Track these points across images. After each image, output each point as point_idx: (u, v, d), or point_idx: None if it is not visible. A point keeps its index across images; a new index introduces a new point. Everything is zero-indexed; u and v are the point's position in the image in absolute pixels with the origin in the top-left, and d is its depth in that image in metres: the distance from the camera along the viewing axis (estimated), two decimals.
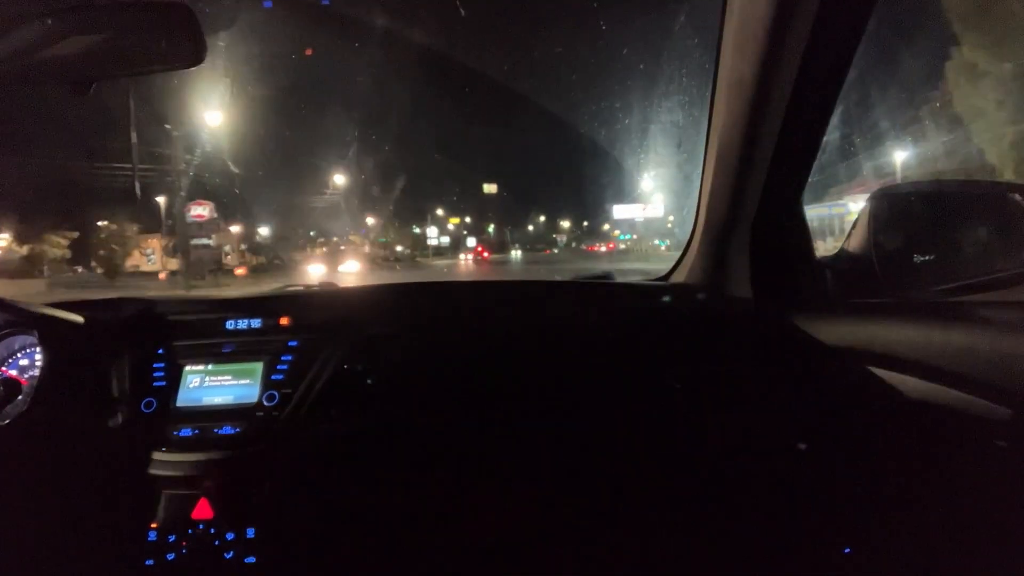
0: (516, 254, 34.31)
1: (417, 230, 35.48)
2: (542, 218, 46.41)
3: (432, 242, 35.34)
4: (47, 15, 0.73)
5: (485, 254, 30.05)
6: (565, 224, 43.40)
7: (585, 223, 41.98)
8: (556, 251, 36.82)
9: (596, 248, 32.73)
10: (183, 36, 0.74)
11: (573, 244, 39.81)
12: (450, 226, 38.09)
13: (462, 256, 31.13)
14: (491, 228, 42.51)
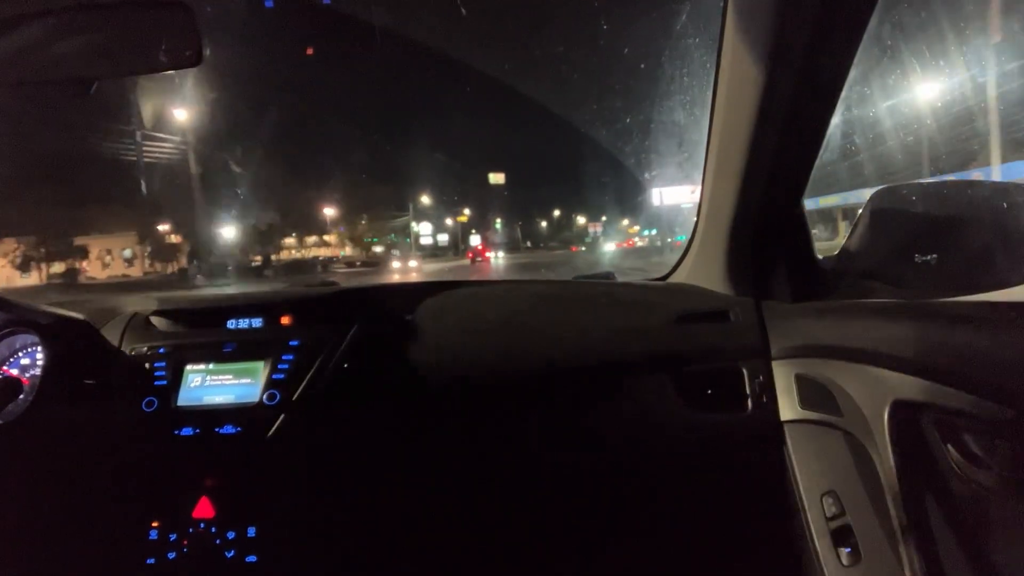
0: (495, 257, 25.89)
1: (415, 227, 29.98)
2: (556, 212, 41.78)
3: (425, 241, 29.47)
4: (47, 15, 0.73)
5: (487, 253, 24.99)
6: (581, 220, 38.72)
7: (603, 217, 37.31)
8: (583, 248, 30.98)
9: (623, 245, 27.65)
10: (182, 36, 0.74)
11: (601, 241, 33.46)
12: (448, 221, 32.41)
13: (396, 264, 22.74)
14: (498, 223, 36.68)
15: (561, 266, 17.82)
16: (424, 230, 29.99)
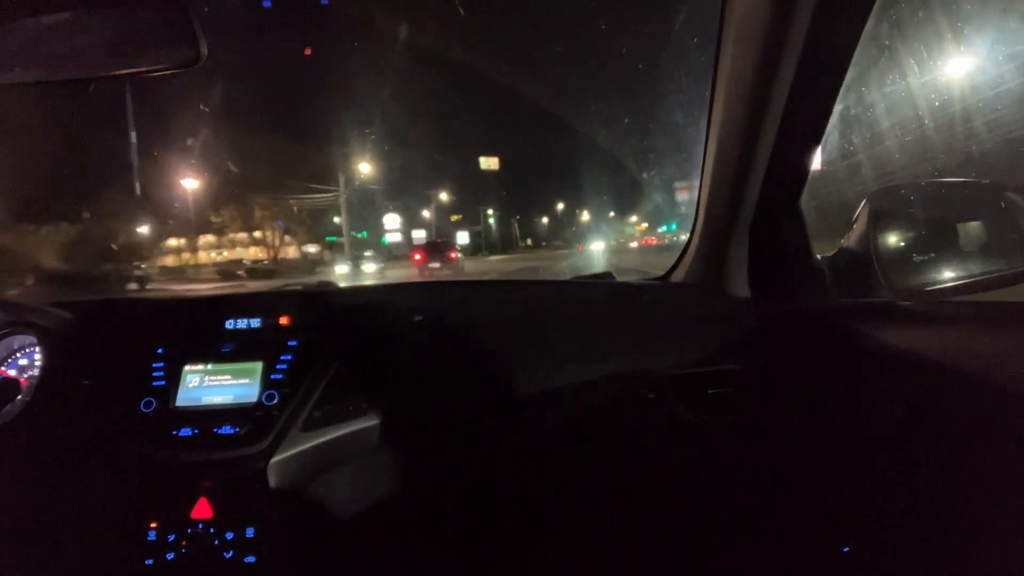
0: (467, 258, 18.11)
1: (392, 223, 21.58)
2: (560, 206, 35.63)
3: (393, 238, 21.26)
4: (47, 15, 0.73)
5: (455, 254, 14.39)
6: (584, 216, 32.52)
7: (611, 213, 31.52)
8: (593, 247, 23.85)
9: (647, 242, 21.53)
10: (182, 36, 0.74)
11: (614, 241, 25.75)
12: (426, 214, 24.44)
13: None
14: (491, 216, 29.13)
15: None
16: (391, 223, 21.47)
